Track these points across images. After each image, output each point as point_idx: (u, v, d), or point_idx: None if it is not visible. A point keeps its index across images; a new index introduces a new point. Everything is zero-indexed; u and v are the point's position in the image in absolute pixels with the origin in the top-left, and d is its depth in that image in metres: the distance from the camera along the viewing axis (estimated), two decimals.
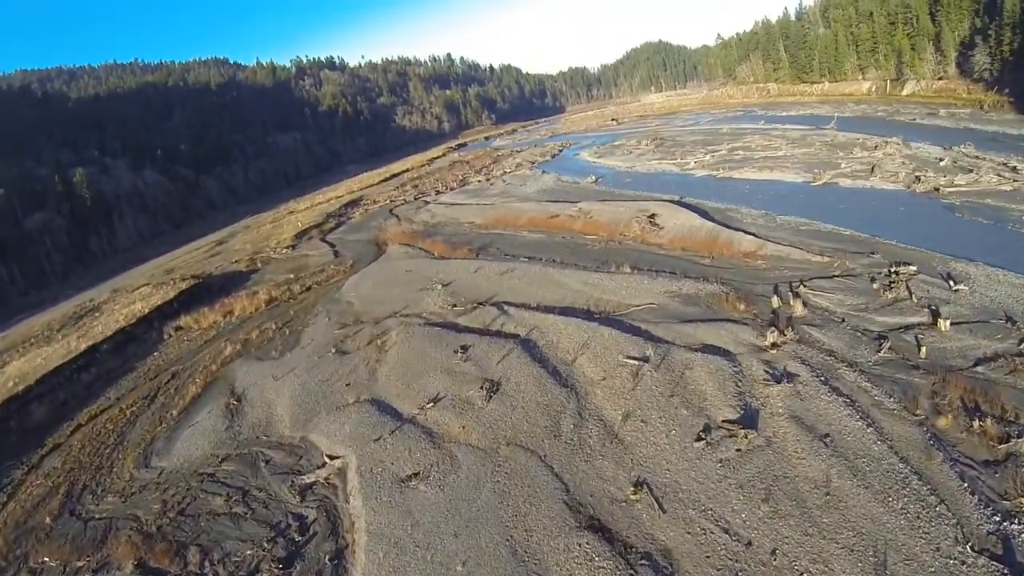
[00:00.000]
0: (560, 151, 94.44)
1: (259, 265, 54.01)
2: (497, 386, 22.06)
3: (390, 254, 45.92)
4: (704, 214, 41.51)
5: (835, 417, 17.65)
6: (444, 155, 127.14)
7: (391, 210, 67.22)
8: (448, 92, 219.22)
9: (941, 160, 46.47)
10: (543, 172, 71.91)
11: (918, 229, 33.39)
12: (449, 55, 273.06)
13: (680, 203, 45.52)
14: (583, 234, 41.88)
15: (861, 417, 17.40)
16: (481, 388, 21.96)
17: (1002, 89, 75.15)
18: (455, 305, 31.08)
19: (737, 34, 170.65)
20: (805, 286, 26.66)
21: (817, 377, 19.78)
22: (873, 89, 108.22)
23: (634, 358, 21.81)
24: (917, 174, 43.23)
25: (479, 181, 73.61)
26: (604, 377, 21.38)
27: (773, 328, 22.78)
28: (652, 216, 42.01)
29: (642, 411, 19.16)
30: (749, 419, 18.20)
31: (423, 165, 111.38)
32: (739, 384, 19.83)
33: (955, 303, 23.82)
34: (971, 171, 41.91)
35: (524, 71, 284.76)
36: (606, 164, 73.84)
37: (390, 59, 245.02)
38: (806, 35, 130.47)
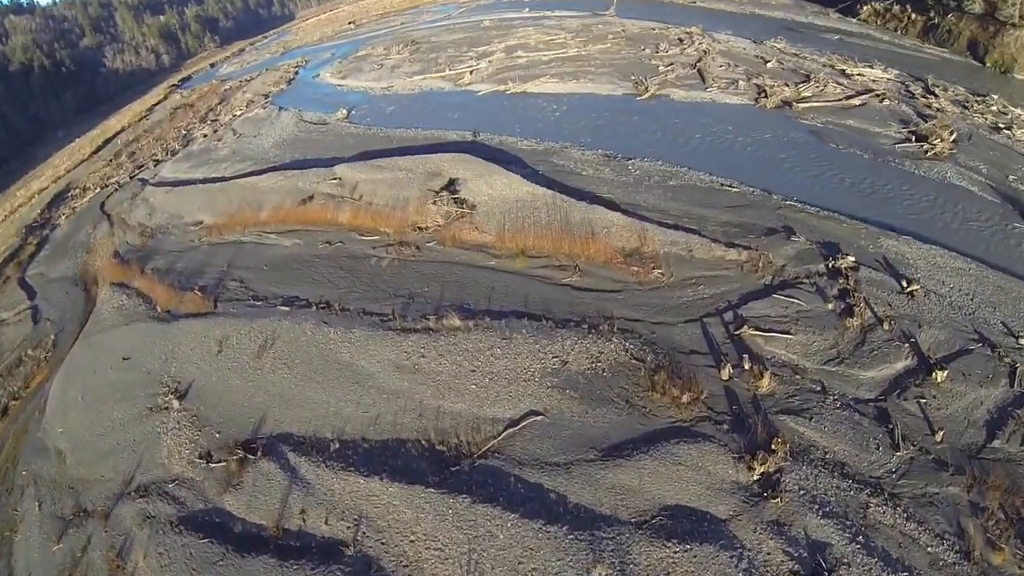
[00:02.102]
0: (296, 73, 76.61)
1: None
2: None
3: (100, 315, 26.99)
4: (525, 168, 30.08)
5: None
6: (165, 98, 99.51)
7: (102, 205, 46.77)
8: (163, 18, 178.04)
9: (766, 61, 42.36)
10: (280, 110, 54.56)
11: (808, 175, 28.15)
12: None
13: (480, 147, 33.24)
14: (356, 232, 27.65)
15: None
16: None
17: None
18: (208, 456, 16.98)
19: None
20: (747, 323, 18.93)
21: (854, 540, 12.51)
22: None
23: None
24: (756, 82, 38.25)
25: (205, 135, 55.10)
26: None
27: (755, 447, 14.79)
28: (451, 184, 29.17)
29: None
30: None
31: (141, 118, 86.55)
32: None
33: (926, 323, 18.61)
34: (808, 77, 38.25)
35: None
36: (356, 86, 58.66)
37: None
38: None
